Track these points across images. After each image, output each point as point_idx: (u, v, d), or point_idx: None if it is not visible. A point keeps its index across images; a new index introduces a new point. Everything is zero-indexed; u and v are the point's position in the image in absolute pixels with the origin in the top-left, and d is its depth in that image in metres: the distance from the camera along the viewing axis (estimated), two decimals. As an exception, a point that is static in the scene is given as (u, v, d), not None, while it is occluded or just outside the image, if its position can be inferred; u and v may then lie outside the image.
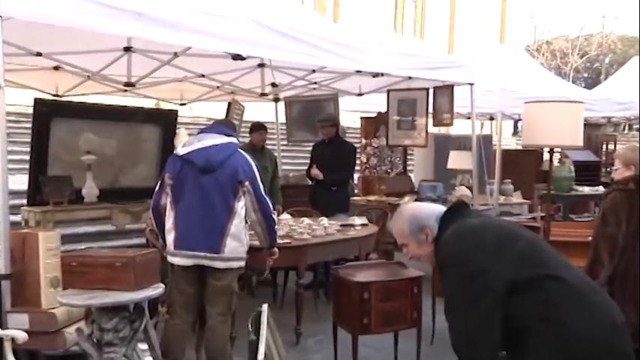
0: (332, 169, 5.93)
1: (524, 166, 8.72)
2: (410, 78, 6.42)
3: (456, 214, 2.25)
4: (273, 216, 3.80)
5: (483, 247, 2.08)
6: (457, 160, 7.62)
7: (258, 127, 6.06)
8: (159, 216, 3.66)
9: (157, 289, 3.14)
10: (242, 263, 3.67)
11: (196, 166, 3.60)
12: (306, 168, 6.46)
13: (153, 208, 3.67)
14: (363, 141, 7.68)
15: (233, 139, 3.78)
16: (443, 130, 10.95)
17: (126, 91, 6.71)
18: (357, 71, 5.71)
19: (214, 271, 3.60)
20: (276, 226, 3.89)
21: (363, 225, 5.30)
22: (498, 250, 2.07)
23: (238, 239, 3.64)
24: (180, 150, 3.66)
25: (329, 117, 6.29)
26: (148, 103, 9.67)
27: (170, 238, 3.58)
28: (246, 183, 3.67)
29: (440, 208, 2.31)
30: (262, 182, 3.72)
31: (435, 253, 2.24)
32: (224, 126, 3.89)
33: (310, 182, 6.43)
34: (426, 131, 6.81)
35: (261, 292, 5.76)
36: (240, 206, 3.64)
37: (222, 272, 3.62)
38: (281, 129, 8.59)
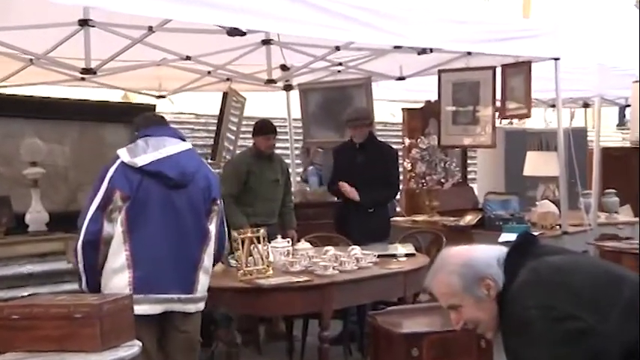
0: (367, 183, 5.93)
1: (633, 170, 8.62)
2: (469, 54, 6.42)
3: (526, 254, 2.22)
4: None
5: (580, 298, 2.04)
6: (537, 164, 7.58)
7: (265, 130, 6.10)
8: (94, 253, 3.61)
9: (132, 349, 3.17)
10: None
11: (167, 181, 3.67)
12: (329, 180, 6.48)
13: (86, 242, 3.60)
14: (407, 141, 7.68)
15: (190, 144, 3.89)
16: (516, 123, 10.92)
17: (83, 79, 6.82)
18: (397, 47, 5.74)
19: (183, 317, 3.67)
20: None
21: (408, 255, 5.30)
22: (597, 303, 2.03)
23: (208, 273, 3.80)
24: (137, 160, 3.67)
25: (362, 114, 6.29)
26: (114, 96, 9.81)
27: (122, 279, 3.59)
28: (218, 201, 3.86)
29: (499, 250, 2.28)
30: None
31: (502, 314, 2.19)
32: (167, 126, 3.96)
33: (337, 199, 6.46)
34: (493, 126, 6.80)
35: (272, 348, 5.77)
36: (213, 230, 3.80)
37: (190, 318, 3.72)
38: (295, 127, 8.66)
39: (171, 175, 3.67)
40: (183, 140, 3.86)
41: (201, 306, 3.79)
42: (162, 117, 4.06)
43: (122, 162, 3.67)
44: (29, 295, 5.06)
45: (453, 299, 2.27)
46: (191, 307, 3.72)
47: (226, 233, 3.99)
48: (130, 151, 3.72)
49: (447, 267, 2.29)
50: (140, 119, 4.00)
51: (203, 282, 3.76)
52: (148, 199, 3.62)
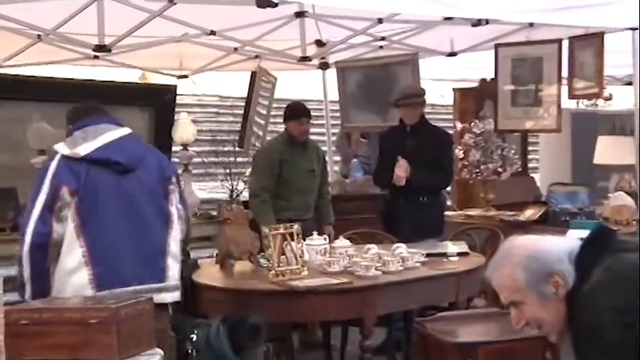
0: (417, 169, 5.93)
1: None
2: (531, 25, 6.36)
3: (602, 249, 2.20)
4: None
5: None
6: (610, 150, 7.49)
7: (298, 113, 6.13)
8: (43, 257, 3.66)
9: (153, 358, 3.21)
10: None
11: (116, 166, 3.77)
12: (374, 169, 6.48)
13: (34, 246, 3.64)
14: (458, 125, 7.65)
15: (129, 130, 3.98)
16: (586, 104, 10.80)
17: (97, 57, 6.90)
18: (447, 18, 5.71)
19: (156, 309, 3.67)
20: None
21: (461, 254, 5.28)
22: None
23: (178, 259, 3.90)
24: (79, 149, 3.75)
25: (415, 91, 6.28)
26: (131, 76, 9.93)
27: (81, 278, 3.65)
28: (174, 179, 3.97)
29: (572, 243, 2.26)
30: None
31: (570, 317, 2.19)
32: (105, 114, 4.02)
33: (381, 191, 6.46)
34: (559, 107, 6.74)
35: (307, 357, 5.79)
36: (174, 212, 3.91)
37: (163, 310, 3.79)
38: (332, 110, 8.66)
39: (120, 159, 3.77)
40: (122, 126, 3.97)
41: (176, 295, 3.88)
42: (98, 105, 4.10)
43: (62, 155, 3.75)
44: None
45: (515, 295, 2.26)
46: (166, 297, 3.81)
47: (189, 211, 4.11)
48: (68, 143, 3.81)
49: (511, 258, 2.27)
50: (72, 112, 4.06)
51: (174, 269, 3.85)
52: (97, 189, 3.71)
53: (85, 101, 4.11)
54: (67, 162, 3.72)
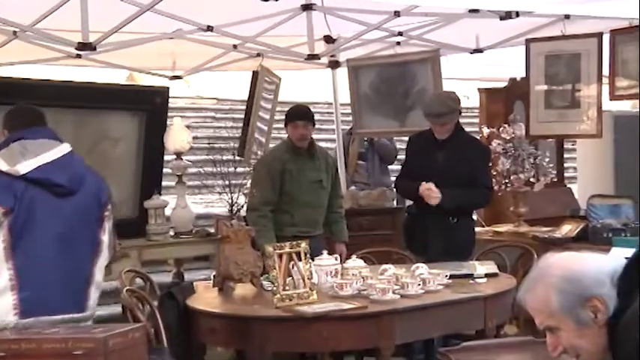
0: (448, 184, 5.88)
1: None
2: (567, 17, 6.36)
3: None
4: None
5: None
6: (658, 158, 7.44)
7: (293, 115, 6.11)
8: None
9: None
10: None
11: (57, 188, 3.88)
12: (398, 174, 6.45)
13: None
14: (485, 131, 7.61)
15: (69, 146, 4.07)
16: (630, 106, 10.77)
17: (79, 56, 6.93)
18: (472, 10, 5.72)
19: None
20: None
21: (489, 276, 5.27)
22: None
23: (99, 288, 4.08)
24: (19, 167, 3.83)
25: (445, 108, 5.91)
26: (118, 77, 9.96)
27: (6, 303, 3.73)
28: (109, 205, 4.11)
29: (615, 263, 2.25)
30: None
31: (612, 346, 2.18)
32: (45, 125, 4.10)
33: (404, 203, 6.44)
34: (599, 110, 6.73)
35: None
36: (105, 240, 4.07)
37: None
38: (343, 114, 8.67)
39: (61, 181, 3.89)
40: (61, 142, 4.05)
41: (89, 324, 3.99)
42: (40, 113, 4.16)
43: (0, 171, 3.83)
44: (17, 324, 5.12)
45: (549, 320, 2.27)
46: None
47: (116, 239, 4.24)
48: (5, 158, 3.87)
49: (545, 279, 2.27)
50: (9, 117, 4.13)
51: (94, 298, 4.03)
52: (33, 210, 3.82)
53: (23, 104, 4.17)
54: (4, 179, 3.83)
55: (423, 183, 5.87)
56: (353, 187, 8.53)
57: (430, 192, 5.82)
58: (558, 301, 2.23)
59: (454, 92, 6.39)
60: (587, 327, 2.22)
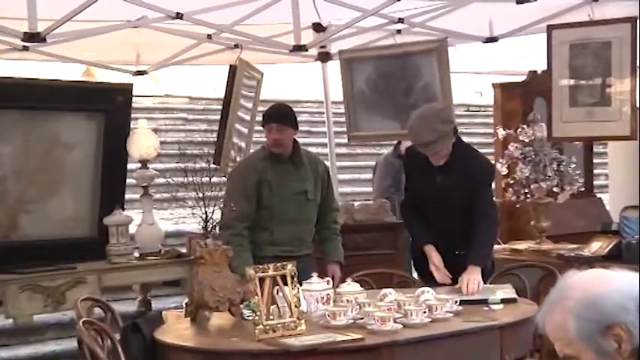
0: (448, 213, 5.85)
1: None
2: (595, 0, 6.36)
3: None
4: None
5: None
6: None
7: (268, 117, 6.06)
8: None
9: None
10: None
11: None
12: (403, 197, 6.41)
13: None
14: (501, 132, 7.64)
15: None
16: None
17: (26, 48, 6.90)
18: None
19: None
20: None
21: (506, 301, 5.27)
22: None
23: None
24: None
25: (429, 137, 5.72)
26: (73, 73, 9.94)
27: None
28: None
29: None
30: None
31: None
32: None
33: (398, 218, 6.41)
34: (633, 107, 6.75)
35: None
36: None
37: None
38: (336, 114, 8.68)
39: None
40: None
41: None
42: None
43: None
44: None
45: (567, 348, 2.27)
46: None
47: None
48: None
49: (563, 302, 2.28)
50: None
51: None
52: None
53: None
54: None
55: (432, 263, 5.82)
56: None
57: (476, 286, 5.62)
58: (576, 328, 2.24)
59: (446, 109, 6.31)
60: (609, 358, 2.22)
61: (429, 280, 5.81)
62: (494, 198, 6.33)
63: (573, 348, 2.26)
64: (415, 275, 6.27)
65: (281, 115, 6.07)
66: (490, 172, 6.15)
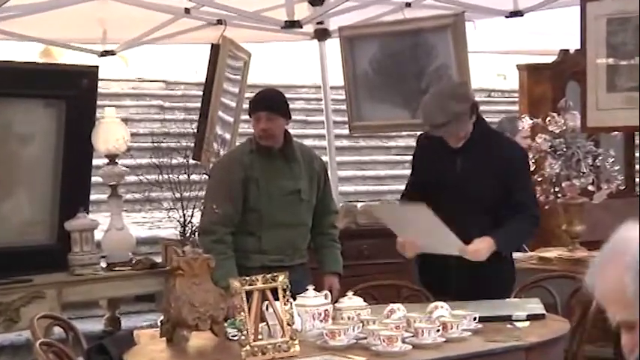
0: (473, 208, 5.83)
1: None
2: (634, -33, 6.38)
3: None
4: None
5: None
6: None
7: (256, 104, 6.08)
8: None
9: None
10: None
11: None
12: (404, 189, 6.41)
13: None
14: (527, 121, 7.64)
15: None
16: None
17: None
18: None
19: None
20: None
21: (533, 317, 5.27)
22: None
23: None
24: None
25: (451, 112, 5.88)
26: (29, 53, 9.93)
27: None
28: None
29: None
30: None
31: None
32: None
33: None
34: (681, 92, 6.76)
35: None
36: None
37: None
38: (335, 101, 8.67)
39: None
40: None
41: None
42: None
43: None
44: None
45: (623, 312, 2.25)
46: None
47: None
48: None
49: (618, 257, 2.24)
50: None
51: None
52: None
53: None
54: None
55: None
56: None
57: (476, 251, 5.64)
58: (636, 287, 2.23)
59: (463, 84, 6.24)
60: None
61: (438, 293, 5.80)
62: (536, 195, 6.34)
63: (631, 312, 2.24)
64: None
65: (271, 102, 6.07)
66: (525, 154, 6.13)
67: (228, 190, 6.00)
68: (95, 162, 7.29)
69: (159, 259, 7.24)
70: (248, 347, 4.49)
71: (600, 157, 7.06)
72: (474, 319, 4.99)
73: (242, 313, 4.53)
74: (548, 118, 7.12)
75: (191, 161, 7.51)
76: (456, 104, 5.68)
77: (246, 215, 6.01)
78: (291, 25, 7.29)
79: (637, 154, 8.90)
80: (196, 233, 6.77)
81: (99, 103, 7.22)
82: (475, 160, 5.82)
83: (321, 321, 4.88)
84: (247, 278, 4.64)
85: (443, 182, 5.84)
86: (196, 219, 7.01)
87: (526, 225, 5.89)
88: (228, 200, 5.97)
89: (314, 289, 5.07)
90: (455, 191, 5.79)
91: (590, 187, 7.03)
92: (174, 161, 7.29)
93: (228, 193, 5.99)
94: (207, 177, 6.69)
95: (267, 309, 4.59)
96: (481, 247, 5.57)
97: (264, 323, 4.60)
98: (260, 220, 6.01)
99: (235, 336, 4.73)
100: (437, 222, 5.47)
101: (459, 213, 5.73)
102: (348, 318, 4.89)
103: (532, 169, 7.07)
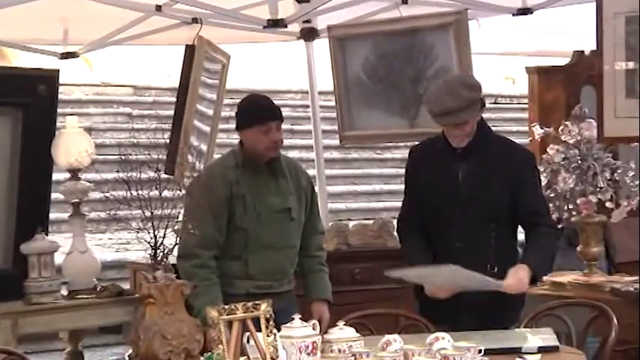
0: (476, 222, 5.85)
1: None
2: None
3: None
4: None
5: None
6: None
7: (261, 114, 6.07)
8: None
9: None
10: None
11: None
12: (400, 210, 6.41)
13: None
14: (538, 131, 7.67)
15: None
16: None
17: None
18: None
19: None
20: None
21: (546, 350, 5.28)
22: None
23: None
24: None
25: (464, 98, 5.92)
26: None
27: None
28: None
29: None
30: None
31: None
32: None
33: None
34: None
35: None
36: None
37: None
38: (324, 108, 8.68)
39: None
40: None
41: None
42: None
43: None
44: None
45: None
46: None
47: None
48: None
49: None
50: None
51: None
52: None
53: None
54: None
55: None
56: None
57: (517, 283, 5.73)
58: None
59: (469, 75, 6.29)
60: None
61: (440, 322, 5.80)
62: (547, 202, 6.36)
63: None
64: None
65: (279, 111, 6.13)
66: (533, 157, 6.20)
67: (212, 209, 6.00)
68: (55, 177, 7.27)
69: (127, 286, 7.23)
70: (227, 384, 4.50)
71: (619, 171, 7.07)
72: (479, 351, 4.99)
73: (220, 346, 4.53)
74: (561, 127, 7.14)
75: (163, 176, 7.48)
76: (468, 91, 5.77)
77: (230, 236, 6.03)
78: (275, 24, 7.29)
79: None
80: (171, 254, 6.76)
81: (59, 110, 7.18)
82: (480, 166, 5.90)
83: (309, 354, 4.88)
84: (226, 307, 4.64)
85: (445, 196, 5.89)
86: (169, 240, 6.98)
87: (552, 240, 6.00)
88: (212, 220, 5.98)
89: (300, 319, 5.08)
90: (457, 200, 5.87)
91: (608, 204, 7.04)
92: (143, 176, 7.26)
93: (211, 213, 5.99)
94: (181, 194, 6.66)
95: (248, 341, 4.59)
96: (522, 277, 5.66)
97: (245, 357, 4.60)
98: (246, 242, 6.02)
99: (212, 372, 4.73)
100: (471, 274, 5.56)
101: (463, 224, 5.82)
102: (339, 351, 4.90)
103: (544, 183, 7.09)
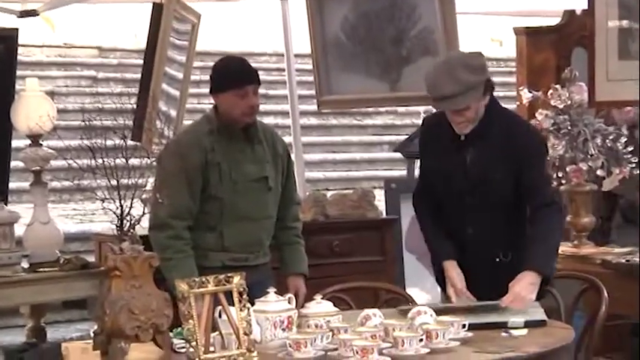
0: (485, 205, 5.85)
1: None
2: None
3: None
4: None
5: None
6: None
7: (238, 77, 6.11)
8: None
9: None
10: None
11: None
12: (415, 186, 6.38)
13: None
14: (526, 94, 7.69)
15: None
16: None
17: None
18: None
19: None
20: None
21: (532, 324, 5.33)
22: None
23: None
24: None
25: (463, 83, 5.81)
26: None
27: None
28: None
29: None
30: None
31: None
32: None
33: (387, 212, 6.41)
34: None
35: None
36: None
37: None
38: (300, 71, 8.68)
39: None
40: None
41: None
42: None
43: None
44: None
45: None
46: None
47: None
48: None
49: None
50: None
51: None
52: None
53: None
54: None
55: (452, 285, 5.89)
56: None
57: (515, 298, 5.67)
58: None
59: (477, 55, 6.13)
60: None
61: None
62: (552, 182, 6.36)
63: None
64: (418, 291, 6.29)
65: (256, 74, 6.15)
66: (542, 141, 6.20)
67: (186, 177, 6.03)
68: (15, 143, 7.27)
69: (91, 258, 7.23)
70: (198, 360, 4.52)
71: (611, 137, 7.09)
72: (463, 326, 5.03)
73: (190, 321, 4.55)
74: (551, 91, 7.16)
75: (130, 142, 7.49)
76: (467, 74, 5.72)
77: (204, 206, 6.05)
78: (248, -20, 7.30)
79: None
80: (138, 225, 6.77)
81: (19, 73, 7.19)
82: (487, 151, 5.87)
83: (284, 330, 4.91)
84: (198, 280, 4.66)
85: (452, 181, 5.93)
86: (136, 210, 6.99)
87: (556, 224, 5.95)
88: (186, 189, 6.01)
89: (276, 293, 5.10)
90: (466, 187, 5.88)
91: (599, 172, 7.06)
92: (109, 142, 7.27)
93: (185, 181, 6.03)
94: (148, 161, 6.67)
95: (220, 316, 4.61)
96: (518, 291, 5.64)
97: (217, 332, 4.62)
98: (221, 212, 6.05)
99: (182, 348, 4.76)
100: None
101: (474, 210, 5.83)
102: (316, 326, 4.94)
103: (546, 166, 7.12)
